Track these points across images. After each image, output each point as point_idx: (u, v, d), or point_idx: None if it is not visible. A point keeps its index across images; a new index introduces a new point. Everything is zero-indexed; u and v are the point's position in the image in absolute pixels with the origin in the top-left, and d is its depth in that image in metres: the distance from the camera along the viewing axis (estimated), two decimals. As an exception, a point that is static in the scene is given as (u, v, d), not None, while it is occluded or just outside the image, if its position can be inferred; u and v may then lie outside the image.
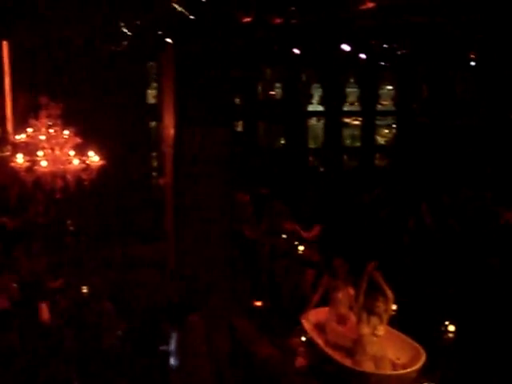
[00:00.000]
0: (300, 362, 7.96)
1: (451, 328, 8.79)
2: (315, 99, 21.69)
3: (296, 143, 21.25)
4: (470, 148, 18.51)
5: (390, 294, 7.30)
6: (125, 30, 14.83)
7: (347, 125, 22.14)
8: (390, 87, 22.19)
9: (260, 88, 21.49)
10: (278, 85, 21.64)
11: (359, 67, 20.69)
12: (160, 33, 13.28)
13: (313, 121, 22.05)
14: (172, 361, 7.53)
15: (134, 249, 12.51)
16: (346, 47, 16.54)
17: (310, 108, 21.72)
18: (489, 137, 18.32)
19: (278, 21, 13.47)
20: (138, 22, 14.27)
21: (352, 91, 21.83)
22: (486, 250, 12.13)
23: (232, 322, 9.22)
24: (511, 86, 17.83)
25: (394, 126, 22.35)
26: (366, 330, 7.28)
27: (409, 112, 21.78)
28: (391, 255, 11.99)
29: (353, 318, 7.86)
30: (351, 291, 8.01)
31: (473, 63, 18.37)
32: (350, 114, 22.14)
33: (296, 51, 18.31)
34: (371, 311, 7.27)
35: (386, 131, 22.50)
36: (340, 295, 8.20)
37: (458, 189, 15.10)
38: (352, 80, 21.77)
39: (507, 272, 11.07)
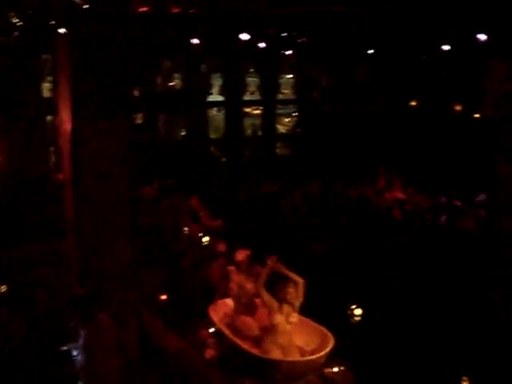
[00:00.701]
0: (210, 353, 7.91)
1: (358, 312, 8.95)
2: (215, 89, 21.58)
3: (197, 134, 21.11)
4: (370, 135, 18.90)
5: (299, 280, 7.35)
6: (15, 21, 14.25)
7: (248, 114, 22.16)
8: (290, 76, 22.34)
9: (159, 79, 21.20)
10: (177, 75, 21.42)
11: (259, 56, 20.72)
12: (53, 23, 12.82)
13: (213, 111, 21.94)
14: (79, 358, 7.31)
15: (34, 247, 12.11)
16: (244, 36, 16.53)
17: (210, 98, 21.58)
18: (388, 123, 18.77)
19: (176, 10, 13.31)
20: (30, 12, 13.74)
21: (252, 80, 21.83)
22: (386, 233, 12.42)
23: (140, 317, 9.08)
24: (409, 73, 18.30)
25: (295, 114, 22.53)
26: (279, 318, 7.29)
27: (309, 100, 22.02)
28: (295, 243, 12.10)
29: (261, 307, 7.86)
30: (255, 281, 8.02)
31: (371, 51, 18.73)
32: (250, 104, 22.15)
33: (195, 41, 18.16)
34: (282, 299, 7.30)
35: (287, 120, 22.66)
36: (244, 285, 8.19)
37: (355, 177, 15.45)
38: (252, 69, 21.78)
39: (409, 254, 11.38)
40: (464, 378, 7.32)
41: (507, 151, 10.59)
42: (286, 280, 7.31)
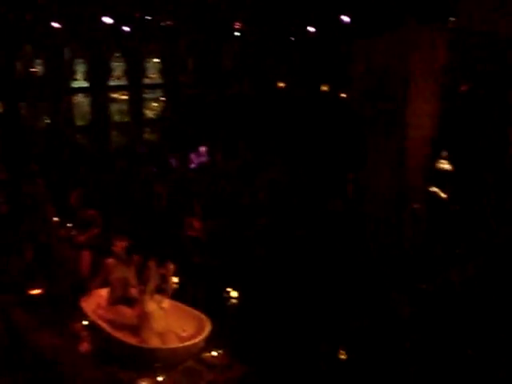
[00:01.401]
0: (84, 346, 7.65)
1: (234, 294, 8.93)
2: (79, 75, 20.89)
3: (62, 122, 20.39)
4: (240, 116, 18.93)
5: (169, 266, 7.30)
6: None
7: (115, 100, 21.63)
8: (156, 60, 22.00)
9: (19, 65, 20.24)
10: (38, 61, 20.54)
11: (123, 40, 20.23)
12: None
13: (79, 98, 21.25)
14: None
15: None
16: (107, 20, 16.07)
17: (75, 84, 20.90)
18: (257, 105, 18.85)
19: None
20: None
21: (118, 65, 21.30)
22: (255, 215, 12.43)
23: (8, 314, 8.70)
24: (277, 54, 18.45)
25: (163, 99, 22.25)
26: (151, 306, 7.23)
27: (177, 84, 21.79)
28: (169, 228, 11.92)
29: (136, 296, 7.72)
30: (131, 271, 7.90)
31: (237, 33, 18.75)
32: (116, 89, 21.63)
33: (56, 25, 17.49)
34: (152, 286, 7.24)
35: (155, 105, 22.34)
36: (119, 275, 8.02)
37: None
38: (117, 54, 21.25)
39: (280, 235, 11.44)
40: (341, 352, 7.51)
41: (373, 126, 10.90)
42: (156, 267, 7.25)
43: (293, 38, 17.92)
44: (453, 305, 8.53)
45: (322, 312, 8.86)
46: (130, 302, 7.86)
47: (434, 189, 10.36)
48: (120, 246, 8.17)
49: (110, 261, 8.11)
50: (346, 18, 13.79)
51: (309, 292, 9.48)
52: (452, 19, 11.48)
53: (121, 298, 7.94)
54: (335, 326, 8.44)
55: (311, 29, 16.17)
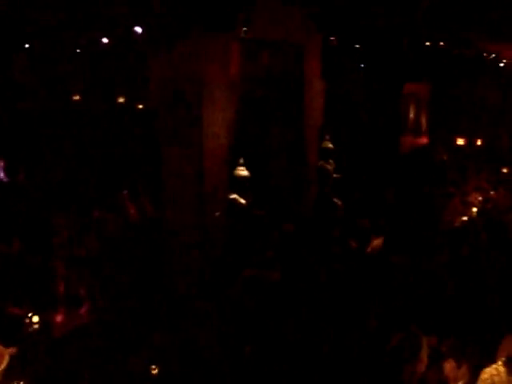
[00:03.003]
0: None
1: (35, 319, 8.52)
2: None
3: None
4: (34, 131, 18.15)
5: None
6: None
7: None
8: None
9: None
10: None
11: None
12: None
13: None
14: None
15: None
16: None
17: None
18: (51, 119, 18.18)
19: None
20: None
21: None
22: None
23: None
24: (69, 67, 17.88)
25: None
26: None
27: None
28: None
29: None
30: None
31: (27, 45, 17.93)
32: None
33: None
34: None
35: None
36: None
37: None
38: None
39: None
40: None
41: (169, 136, 10.91)
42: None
43: (85, 50, 17.53)
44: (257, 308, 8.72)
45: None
46: None
47: (234, 195, 10.53)
48: None
49: None
50: (139, 29, 13.72)
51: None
52: (245, 29, 11.74)
53: None
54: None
55: (105, 40, 15.90)
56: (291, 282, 9.53)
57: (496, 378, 6.98)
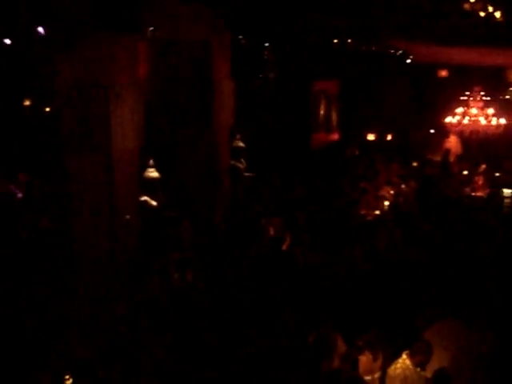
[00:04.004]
0: None
1: None
2: None
3: None
4: None
5: None
6: None
7: None
8: None
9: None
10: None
11: None
12: None
13: None
14: None
15: None
16: None
17: None
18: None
19: None
20: None
21: None
22: None
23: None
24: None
25: None
26: None
27: None
28: None
29: None
30: None
31: None
32: None
33: None
34: None
35: None
36: None
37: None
38: None
39: None
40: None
41: (76, 140, 10.58)
42: None
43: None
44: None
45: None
46: None
47: (145, 198, 10.39)
48: None
49: None
50: (41, 30, 13.27)
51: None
52: (151, 28, 11.59)
53: None
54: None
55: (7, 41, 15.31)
56: (206, 284, 9.48)
57: (407, 372, 7.13)
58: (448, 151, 20.68)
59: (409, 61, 21.27)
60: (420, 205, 15.14)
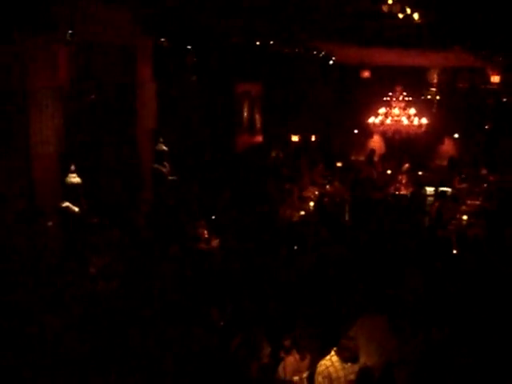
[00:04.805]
0: None
1: None
2: None
3: None
4: None
5: None
6: None
7: None
8: None
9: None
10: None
11: None
12: None
13: None
14: None
15: None
16: None
17: None
18: None
19: None
20: None
21: None
22: None
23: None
24: None
25: None
26: None
27: None
28: None
29: None
30: None
31: None
32: None
33: None
34: None
35: None
36: None
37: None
38: None
39: None
40: None
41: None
42: None
43: None
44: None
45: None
46: None
47: (66, 204, 10.19)
48: None
49: None
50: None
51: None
52: (70, 31, 11.34)
53: None
54: None
55: None
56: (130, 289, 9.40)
57: (331, 369, 7.22)
58: (373, 151, 21.07)
59: (331, 62, 21.51)
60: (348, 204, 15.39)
